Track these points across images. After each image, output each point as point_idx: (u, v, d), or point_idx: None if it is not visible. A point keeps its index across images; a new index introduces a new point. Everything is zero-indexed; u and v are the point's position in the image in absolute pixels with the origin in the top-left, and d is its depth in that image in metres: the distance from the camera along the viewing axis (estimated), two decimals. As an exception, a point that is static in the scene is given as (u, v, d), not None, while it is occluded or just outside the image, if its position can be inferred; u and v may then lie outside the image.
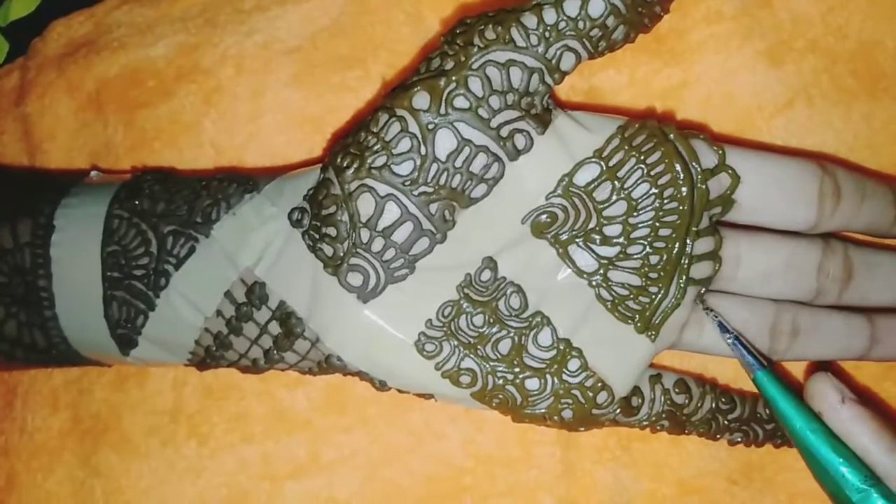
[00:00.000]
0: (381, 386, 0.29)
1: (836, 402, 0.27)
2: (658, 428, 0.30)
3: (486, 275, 0.28)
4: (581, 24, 0.27)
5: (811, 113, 0.32)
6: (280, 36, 0.34)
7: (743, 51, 0.32)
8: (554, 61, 0.27)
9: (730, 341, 0.29)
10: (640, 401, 0.29)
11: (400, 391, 0.29)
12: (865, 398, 0.29)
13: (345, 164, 0.28)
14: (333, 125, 0.34)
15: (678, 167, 0.28)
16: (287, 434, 0.33)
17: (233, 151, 0.34)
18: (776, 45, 0.32)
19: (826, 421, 0.28)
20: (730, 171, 0.28)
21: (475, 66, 0.27)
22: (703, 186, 0.28)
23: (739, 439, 0.30)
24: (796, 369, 0.32)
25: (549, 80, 0.27)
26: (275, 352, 0.29)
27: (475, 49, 0.27)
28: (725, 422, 0.30)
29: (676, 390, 0.29)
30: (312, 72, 0.34)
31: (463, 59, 0.27)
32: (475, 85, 0.27)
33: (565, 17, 0.27)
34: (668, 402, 0.29)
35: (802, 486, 0.32)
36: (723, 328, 0.29)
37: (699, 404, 0.30)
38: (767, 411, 0.30)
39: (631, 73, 0.32)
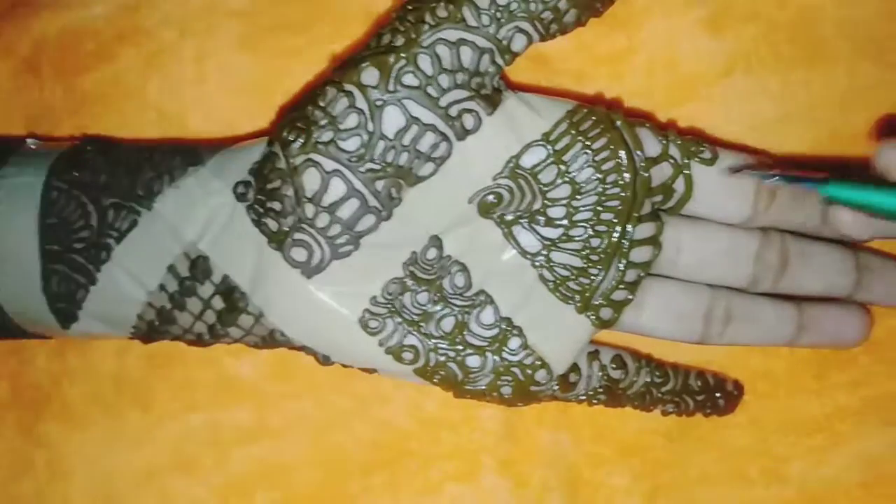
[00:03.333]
0: (325, 361, 0.29)
1: None
2: (595, 402, 0.31)
3: (432, 253, 0.29)
4: (533, 6, 0.27)
5: (750, 80, 0.32)
6: (225, -2, 0.33)
7: (685, 17, 0.32)
8: (505, 42, 0.27)
9: (777, 181, 0.27)
10: (577, 377, 0.30)
11: (344, 366, 0.30)
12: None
13: (291, 138, 0.27)
14: (279, 91, 0.33)
15: (622, 154, 0.28)
16: (233, 401, 0.33)
17: (177, 116, 0.33)
18: (717, 13, 0.32)
19: None
20: (672, 161, 0.29)
21: (425, 43, 0.27)
22: (646, 174, 0.28)
23: (672, 410, 0.32)
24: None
25: (499, 60, 0.27)
26: (219, 326, 0.29)
27: (426, 26, 0.27)
28: (659, 394, 0.31)
29: (613, 366, 0.30)
30: (258, 35, 0.33)
31: (413, 35, 0.27)
32: (425, 63, 0.27)
33: None
34: (605, 377, 0.30)
35: (738, 443, 0.33)
36: (764, 177, 0.28)
37: (635, 378, 0.31)
38: (699, 383, 0.32)
39: (577, 38, 0.32)
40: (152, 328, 0.29)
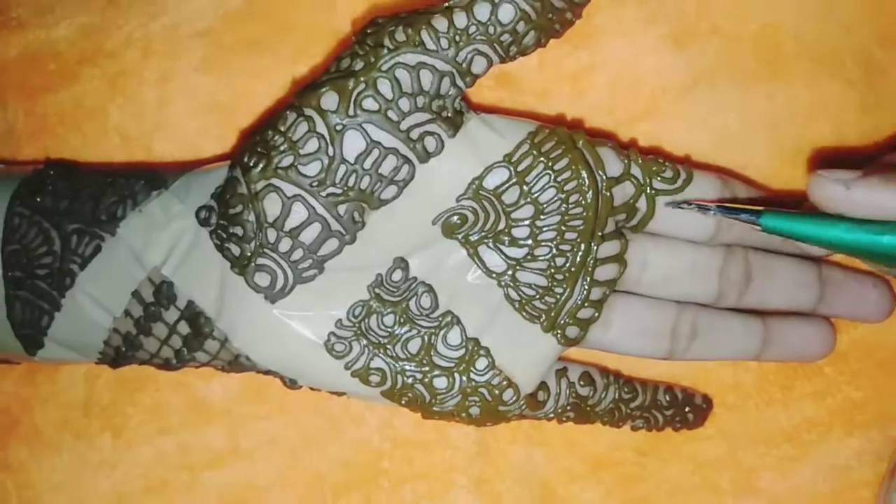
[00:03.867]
0: (292, 384, 0.29)
1: (844, 195, 0.26)
2: (564, 419, 0.31)
3: (398, 275, 0.29)
4: (491, 29, 0.27)
5: (714, 94, 0.33)
6: (188, 18, 0.33)
7: (648, 34, 0.33)
8: (465, 65, 0.27)
9: (715, 214, 0.28)
10: (546, 395, 0.30)
11: (312, 388, 0.29)
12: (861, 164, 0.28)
13: (251, 163, 0.27)
14: (244, 111, 0.33)
15: (584, 174, 0.28)
16: (205, 424, 0.33)
17: (140, 138, 0.33)
18: (680, 29, 0.33)
19: (850, 214, 0.26)
20: (633, 180, 0.29)
21: (384, 67, 0.27)
22: (608, 194, 0.29)
23: (641, 425, 0.32)
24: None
25: (460, 83, 0.27)
26: (185, 351, 0.29)
27: (385, 51, 0.27)
28: (628, 410, 0.31)
29: (581, 383, 0.30)
30: (222, 56, 0.33)
31: (372, 60, 0.27)
32: (384, 87, 0.27)
33: (475, 22, 0.26)
34: (574, 394, 0.30)
35: (710, 454, 0.33)
36: (702, 208, 0.28)
37: (603, 395, 0.31)
38: (667, 398, 0.32)
39: (540, 57, 0.33)
40: (119, 354, 0.29)
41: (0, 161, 0.32)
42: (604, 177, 0.29)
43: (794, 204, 0.31)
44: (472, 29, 0.27)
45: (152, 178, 0.29)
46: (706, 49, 0.33)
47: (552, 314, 0.29)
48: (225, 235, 0.28)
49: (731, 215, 0.28)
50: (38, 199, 0.29)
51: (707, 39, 0.33)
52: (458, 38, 0.27)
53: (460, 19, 0.26)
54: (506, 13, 0.26)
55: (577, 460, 0.34)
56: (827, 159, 0.33)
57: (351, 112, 0.27)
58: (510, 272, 0.29)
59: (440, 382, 0.29)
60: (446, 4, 0.27)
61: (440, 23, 0.26)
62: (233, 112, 0.33)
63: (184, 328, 0.28)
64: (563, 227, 0.29)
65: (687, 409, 0.32)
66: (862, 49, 0.33)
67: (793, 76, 0.33)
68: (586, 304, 0.29)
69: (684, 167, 0.30)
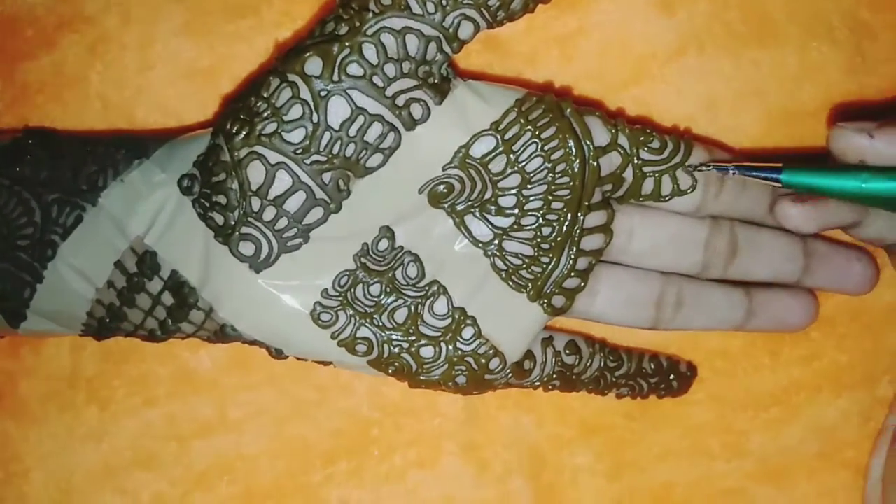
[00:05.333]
0: (278, 354, 0.29)
1: (868, 143, 0.26)
2: (550, 388, 0.31)
3: (384, 244, 0.28)
4: None
5: (702, 60, 0.33)
6: (168, -19, 0.32)
7: (636, -1, 0.32)
8: (451, 30, 0.27)
9: (734, 174, 0.28)
10: (531, 364, 0.30)
11: (298, 359, 0.29)
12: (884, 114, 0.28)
13: (234, 130, 0.27)
14: (227, 77, 0.32)
15: (571, 143, 0.28)
16: (192, 394, 0.33)
17: (122, 105, 0.32)
18: (669, -7, 0.32)
19: (873, 163, 0.26)
20: (621, 151, 0.28)
21: (369, 32, 0.26)
22: (595, 163, 0.28)
23: (626, 393, 0.32)
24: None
25: (446, 48, 0.27)
26: (170, 322, 0.28)
27: (370, 14, 0.26)
28: (613, 378, 0.31)
29: (567, 351, 0.30)
30: (204, 20, 0.32)
31: (357, 24, 0.26)
32: (369, 52, 0.26)
33: None
34: (560, 363, 0.30)
35: (699, 419, 0.34)
36: (721, 169, 0.28)
37: (588, 363, 0.31)
38: (652, 366, 0.32)
39: (528, 21, 0.32)
40: (103, 325, 0.29)
41: (-22, 130, 0.32)
42: (591, 146, 0.28)
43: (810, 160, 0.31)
44: None
45: (133, 146, 0.29)
46: (694, 14, 0.32)
47: (538, 283, 0.29)
48: (208, 204, 0.27)
49: (750, 174, 0.28)
50: (17, 169, 0.28)
51: (695, 4, 0.32)
52: (444, 2, 0.26)
53: None
54: None
55: (566, 426, 0.34)
56: (842, 112, 0.33)
57: (335, 77, 0.26)
58: (497, 241, 0.29)
59: (427, 352, 0.29)
60: None
61: None
62: (215, 78, 0.32)
63: (168, 299, 0.28)
64: (550, 197, 0.28)
65: (671, 377, 0.32)
66: (849, 10, 0.33)
67: (781, 40, 0.32)
68: (572, 274, 0.29)
69: (671, 137, 0.29)
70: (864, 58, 0.33)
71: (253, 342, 0.29)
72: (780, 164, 0.27)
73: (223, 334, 0.28)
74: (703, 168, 0.29)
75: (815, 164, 0.27)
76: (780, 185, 0.27)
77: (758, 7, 0.32)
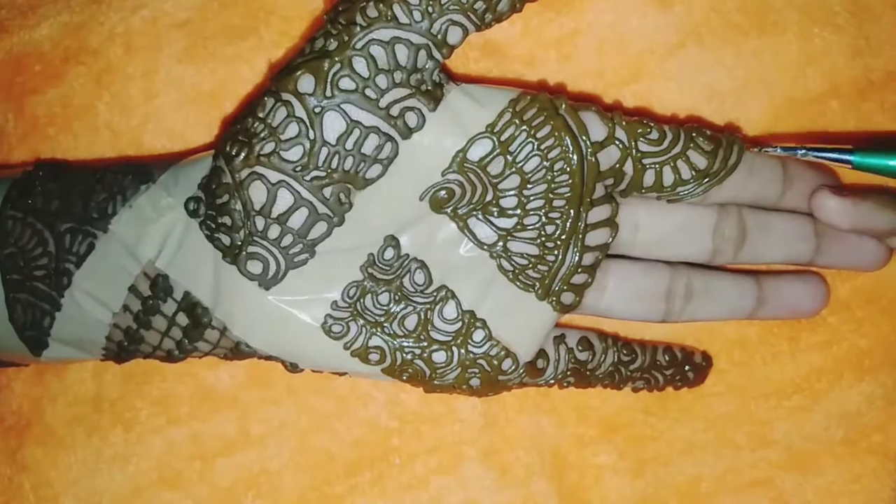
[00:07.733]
0: (293, 368, 0.29)
1: None
2: (564, 385, 0.31)
3: (389, 253, 0.29)
4: None
5: (702, 52, 0.32)
6: (168, 9, 0.33)
7: (631, -4, 0.32)
8: (440, 36, 0.27)
9: (804, 156, 0.28)
10: (545, 363, 0.30)
11: (314, 371, 0.30)
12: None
13: (233, 152, 0.27)
14: (230, 98, 0.33)
15: (567, 140, 0.28)
16: (214, 412, 0.33)
17: (130, 133, 0.33)
18: (664, -12, 0.32)
19: None
20: (619, 144, 0.28)
21: (359, 45, 0.26)
22: (593, 159, 0.28)
23: (642, 386, 0.32)
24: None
25: (437, 55, 0.27)
26: (186, 342, 0.29)
27: (358, 28, 0.26)
28: (628, 372, 0.31)
29: (580, 348, 0.30)
30: (204, 44, 0.33)
31: (346, 38, 0.26)
32: (360, 65, 0.26)
33: None
34: (573, 360, 0.30)
35: (721, 411, 0.33)
36: (790, 150, 0.28)
37: (602, 359, 0.31)
38: (667, 357, 0.32)
39: (524, 24, 0.32)
40: (122, 348, 0.29)
41: (-8, 165, 0.33)
42: (588, 142, 0.28)
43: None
44: None
45: (140, 172, 0.29)
46: (691, 6, 0.32)
47: (546, 282, 0.29)
48: (214, 225, 0.28)
49: (819, 156, 0.28)
50: (30, 201, 0.29)
51: (691, -3, 0.32)
52: (430, 9, 0.26)
53: None
54: None
55: (586, 425, 0.33)
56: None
57: (328, 93, 0.26)
58: (501, 243, 0.29)
59: (439, 357, 0.29)
60: None
61: None
62: (219, 100, 0.33)
63: (182, 319, 0.29)
64: (551, 195, 0.28)
65: (686, 367, 0.32)
66: (848, -8, 0.32)
67: (781, 27, 0.32)
68: (579, 270, 0.29)
69: (671, 127, 0.29)
70: (867, 40, 0.32)
71: (268, 357, 0.29)
72: (850, 147, 0.27)
73: (239, 351, 0.29)
74: (770, 150, 0.29)
75: (887, 147, 0.27)
76: (850, 167, 0.27)
77: (756, -4, 0.32)
